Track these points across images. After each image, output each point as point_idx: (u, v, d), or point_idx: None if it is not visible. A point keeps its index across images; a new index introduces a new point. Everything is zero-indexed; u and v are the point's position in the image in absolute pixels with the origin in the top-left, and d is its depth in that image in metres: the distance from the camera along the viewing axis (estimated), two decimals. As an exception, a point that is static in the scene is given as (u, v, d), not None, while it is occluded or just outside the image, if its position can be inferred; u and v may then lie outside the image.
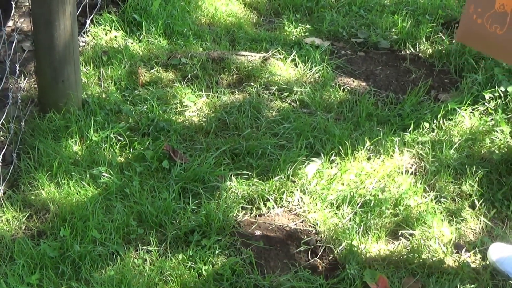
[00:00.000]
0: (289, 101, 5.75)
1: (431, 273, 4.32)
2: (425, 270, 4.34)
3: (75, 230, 4.38)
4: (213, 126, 5.34)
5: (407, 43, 6.69)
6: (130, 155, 5.01)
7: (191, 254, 4.30)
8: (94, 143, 5.06)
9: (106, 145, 5.05)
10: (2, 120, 4.70)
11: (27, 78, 5.78)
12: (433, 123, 5.51)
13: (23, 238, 4.34)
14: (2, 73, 4.89)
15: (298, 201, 4.75)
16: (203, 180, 4.83)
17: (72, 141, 5.06)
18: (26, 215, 4.55)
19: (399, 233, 4.58)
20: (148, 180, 4.82)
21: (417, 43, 6.70)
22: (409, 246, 4.48)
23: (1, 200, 4.57)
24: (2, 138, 4.66)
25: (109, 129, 5.17)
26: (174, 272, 4.19)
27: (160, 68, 6.05)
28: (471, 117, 5.57)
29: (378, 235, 4.52)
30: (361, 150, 5.16)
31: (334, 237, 4.48)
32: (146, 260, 4.30)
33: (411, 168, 5.10)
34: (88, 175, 4.78)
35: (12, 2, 4.73)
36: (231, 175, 4.85)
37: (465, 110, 5.62)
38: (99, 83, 5.76)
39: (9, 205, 4.57)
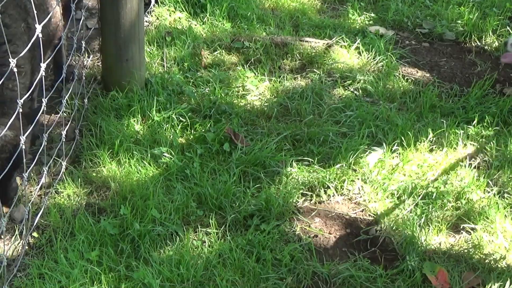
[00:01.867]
0: (351, 89, 5.70)
1: (492, 268, 4.25)
2: (486, 266, 4.27)
3: (135, 209, 4.39)
4: (275, 111, 5.32)
5: (473, 36, 6.60)
6: (191, 137, 5.01)
7: (250, 238, 4.28)
8: (156, 123, 5.07)
9: (167, 125, 5.06)
10: (66, 97, 4.72)
11: (91, 56, 5.81)
12: (498, 117, 5.42)
13: (84, 214, 4.37)
14: (68, 50, 4.91)
15: (359, 190, 4.70)
16: (264, 165, 4.82)
17: (134, 120, 5.07)
18: (87, 192, 4.58)
19: (461, 227, 4.51)
20: (209, 162, 4.81)
21: (483, 36, 6.60)
22: (470, 240, 4.42)
23: (63, 175, 4.60)
24: (65, 114, 4.67)
25: (171, 109, 5.17)
26: (232, 256, 4.18)
27: (223, 51, 6.03)
28: (537, 113, 5.47)
29: (439, 227, 4.46)
30: (424, 142, 5.10)
31: (394, 228, 4.43)
32: (205, 242, 4.30)
33: (474, 161, 5.01)
34: (149, 155, 4.79)
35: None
36: (292, 161, 4.83)
37: (531, 105, 5.53)
38: (162, 64, 5.77)
39: (71, 181, 4.60)
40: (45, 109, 4.08)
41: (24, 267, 4.12)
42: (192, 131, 5.06)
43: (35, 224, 4.29)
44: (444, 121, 5.27)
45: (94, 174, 4.67)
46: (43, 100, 4.03)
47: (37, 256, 4.18)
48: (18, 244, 4.23)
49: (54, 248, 4.17)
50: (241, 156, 4.83)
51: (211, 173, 4.71)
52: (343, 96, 5.58)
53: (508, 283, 4.12)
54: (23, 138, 3.67)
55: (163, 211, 4.40)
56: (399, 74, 5.93)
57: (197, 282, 4.04)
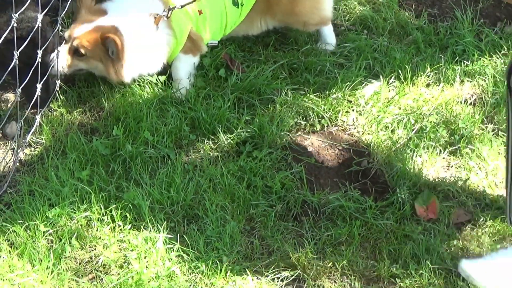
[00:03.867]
0: (351, 20, 5.63)
1: (481, 206, 4.27)
2: (476, 203, 4.28)
3: (128, 130, 4.38)
4: (273, 39, 5.26)
5: (477, -29, 6.50)
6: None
7: (241, 165, 4.29)
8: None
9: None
10: (62, 14, 4.65)
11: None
12: (497, 54, 5.37)
13: (76, 133, 4.36)
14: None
15: (353, 121, 4.69)
16: (259, 92, 4.78)
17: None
18: (81, 111, 4.56)
19: (453, 163, 4.50)
20: (204, 87, 4.77)
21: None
22: (461, 177, 4.42)
23: (57, 94, 4.57)
24: (61, 33, 4.62)
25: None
26: (223, 181, 4.18)
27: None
28: (536, 52, 5.42)
29: (431, 162, 4.46)
30: (421, 76, 5.06)
31: (386, 161, 4.43)
32: (196, 166, 4.29)
33: (470, 98, 4.98)
34: (144, 78, 4.75)
35: None
36: (287, 90, 4.79)
37: (531, 43, 5.48)
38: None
39: (64, 99, 4.58)
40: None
41: (15, 183, 4.13)
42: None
43: (27, 141, 4.28)
44: (442, 57, 5.22)
45: (88, 94, 4.65)
46: (37, 16, 3.98)
47: (28, 173, 4.18)
48: (9, 160, 4.22)
49: (45, 165, 4.18)
50: (237, 82, 4.79)
51: (206, 98, 4.67)
52: (341, 28, 5.52)
53: (498, 221, 4.14)
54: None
55: (155, 134, 4.39)
56: (401, 6, 5.84)
57: (186, 206, 4.05)
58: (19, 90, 3.88)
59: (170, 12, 4.41)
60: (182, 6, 4.44)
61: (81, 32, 4.38)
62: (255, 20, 4.98)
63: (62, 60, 4.38)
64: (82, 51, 4.36)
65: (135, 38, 4.39)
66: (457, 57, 5.27)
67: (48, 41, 4.17)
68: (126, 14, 4.46)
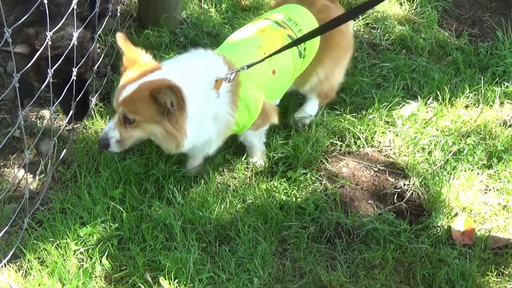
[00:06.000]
0: (389, 40, 5.57)
1: (520, 231, 4.19)
2: (515, 228, 4.21)
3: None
4: (310, 58, 5.21)
5: (519, -9, 6.42)
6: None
7: (275, 185, 4.24)
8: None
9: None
10: (99, 32, 4.67)
11: (128, -7, 5.75)
12: (538, 76, 5.28)
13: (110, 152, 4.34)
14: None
15: (390, 142, 4.63)
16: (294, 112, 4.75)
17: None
18: (115, 129, 4.55)
19: (491, 186, 4.42)
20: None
21: (529, -8, 6.42)
22: (500, 201, 4.33)
23: (92, 111, 4.57)
24: (98, 50, 4.63)
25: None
26: (256, 202, 4.14)
27: (262, -6, 5.93)
28: None
29: (469, 185, 4.38)
30: (460, 97, 4.99)
31: (423, 183, 4.36)
32: (229, 186, 4.26)
33: (510, 120, 4.90)
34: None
35: None
36: (323, 110, 4.74)
37: None
38: (199, 4, 5.68)
39: (99, 117, 4.57)
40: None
41: (48, 201, 4.13)
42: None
43: (60, 158, 4.28)
44: (482, 78, 5.14)
45: (122, 112, 4.63)
46: (73, 33, 3.99)
47: (60, 190, 4.18)
48: (42, 177, 4.23)
49: (78, 183, 4.17)
50: (272, 102, 4.76)
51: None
52: (380, 47, 5.46)
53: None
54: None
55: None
56: (440, 26, 5.77)
57: (219, 226, 4.01)
58: (53, 108, 3.89)
59: (233, 74, 3.76)
60: (248, 66, 3.77)
61: (126, 94, 3.63)
62: (309, 73, 4.41)
63: (114, 135, 3.73)
64: (131, 117, 3.64)
65: (192, 100, 3.66)
66: (497, 78, 5.19)
67: (87, 57, 4.19)
68: (181, 72, 3.75)
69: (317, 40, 4.25)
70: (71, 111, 4.22)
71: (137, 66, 3.72)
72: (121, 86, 3.67)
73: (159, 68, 3.72)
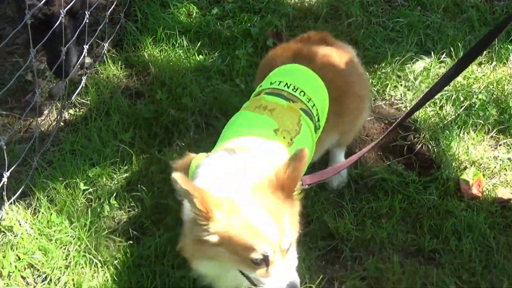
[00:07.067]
0: (404, -3, 5.55)
1: (528, 186, 4.19)
2: (523, 184, 4.21)
3: (172, 96, 4.37)
4: (324, 11, 5.20)
5: None
6: (236, 29, 4.94)
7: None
8: (201, 16, 5.01)
9: (213, 20, 4.99)
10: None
11: None
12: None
13: (121, 96, 4.36)
14: None
15: (401, 96, 4.62)
16: (307, 64, 4.74)
17: (180, 12, 5.01)
18: (127, 75, 4.57)
19: (501, 142, 4.41)
20: (253, 58, 4.75)
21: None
22: (510, 158, 4.32)
23: (104, 57, 4.58)
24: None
25: (219, 5, 5.11)
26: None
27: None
28: None
29: (479, 140, 4.37)
30: (473, 54, 4.96)
31: (433, 137, 4.35)
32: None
33: (523, 77, 4.89)
34: (191, 48, 4.74)
35: None
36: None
37: None
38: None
39: (111, 63, 4.59)
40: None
41: (58, 142, 4.15)
42: (238, 25, 4.98)
43: (71, 101, 4.29)
44: (497, 35, 5.11)
45: (135, 59, 4.66)
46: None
47: (71, 132, 4.21)
48: (53, 119, 4.25)
49: (89, 126, 4.20)
50: (284, 54, 4.75)
51: (253, 67, 4.65)
52: (395, 3, 5.44)
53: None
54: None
55: (199, 101, 4.37)
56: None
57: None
58: (65, 48, 3.89)
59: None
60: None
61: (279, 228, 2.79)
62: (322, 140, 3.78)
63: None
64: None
65: None
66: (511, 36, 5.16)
67: None
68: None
69: (326, 107, 3.65)
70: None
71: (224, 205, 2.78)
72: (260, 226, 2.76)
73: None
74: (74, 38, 4.02)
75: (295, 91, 3.51)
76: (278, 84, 3.54)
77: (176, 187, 2.68)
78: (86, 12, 4.08)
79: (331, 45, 3.85)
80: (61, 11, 3.69)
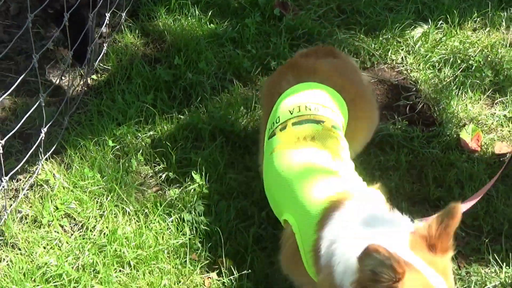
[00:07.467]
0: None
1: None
2: (517, 135, 4.51)
3: (189, 61, 4.64)
4: (325, -17, 5.48)
5: None
6: (244, 0, 5.19)
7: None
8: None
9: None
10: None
11: None
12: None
13: (140, 62, 4.62)
14: None
15: (402, 59, 4.90)
16: (311, 33, 5.01)
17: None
18: (144, 43, 4.82)
19: (497, 100, 4.70)
20: (261, 26, 5.01)
21: None
22: (506, 115, 4.62)
23: (122, 26, 4.83)
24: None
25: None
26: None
27: None
28: None
29: (476, 98, 4.66)
30: (468, 21, 5.25)
31: (433, 96, 4.64)
32: (253, 96, 4.53)
33: (515, 42, 5.18)
34: (202, 17, 5.00)
35: None
36: (336, 28, 5.02)
37: None
38: None
39: (128, 31, 4.84)
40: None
41: (83, 105, 4.40)
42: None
43: (94, 68, 4.54)
44: (489, 2, 5.39)
45: (150, 28, 4.90)
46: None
47: (95, 96, 4.45)
48: (77, 84, 4.49)
49: (112, 89, 4.45)
50: (289, 23, 5.02)
51: (262, 34, 4.92)
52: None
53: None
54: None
55: (215, 65, 4.64)
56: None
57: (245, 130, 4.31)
58: (91, 15, 4.14)
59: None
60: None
61: None
62: None
63: None
64: None
65: None
66: (503, 4, 5.43)
67: None
68: None
69: (346, 114, 3.62)
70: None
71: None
72: None
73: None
74: (93, 25, 4.33)
75: (318, 110, 3.45)
76: (299, 110, 3.44)
77: (372, 258, 2.48)
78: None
79: (337, 57, 3.89)
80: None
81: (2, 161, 3.42)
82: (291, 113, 3.44)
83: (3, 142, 3.33)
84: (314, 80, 3.59)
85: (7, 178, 3.55)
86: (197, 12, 5.00)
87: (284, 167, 3.29)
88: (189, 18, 4.96)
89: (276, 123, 3.47)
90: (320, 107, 3.45)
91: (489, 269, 3.81)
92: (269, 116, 3.59)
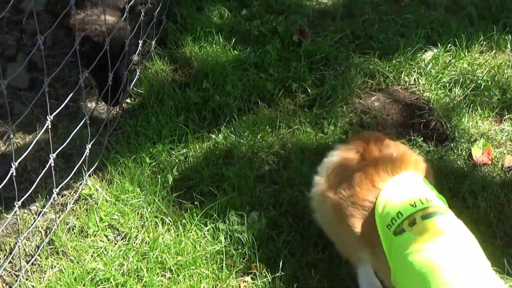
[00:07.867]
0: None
1: (531, 152, 4.80)
2: (527, 150, 4.81)
3: (216, 84, 4.96)
4: (339, 11, 5.80)
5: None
6: (264, 29, 5.51)
7: (316, 112, 4.85)
8: (232, 17, 5.60)
9: (245, 20, 5.59)
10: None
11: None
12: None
13: (171, 86, 4.94)
14: None
15: (415, 81, 5.22)
16: (328, 57, 5.33)
17: (214, 14, 5.61)
18: (173, 69, 5.14)
19: (505, 117, 5.01)
20: (281, 52, 5.33)
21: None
22: (513, 129, 4.95)
23: (152, 53, 5.16)
24: (154, 1, 5.20)
25: (249, 8, 5.71)
26: (301, 129, 4.74)
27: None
28: None
29: (485, 115, 4.97)
30: (475, 44, 5.57)
31: (445, 114, 4.95)
32: (277, 116, 4.84)
33: (520, 63, 5.51)
34: (226, 45, 5.33)
35: None
36: (352, 53, 5.35)
37: None
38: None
39: (158, 59, 5.16)
40: None
41: (120, 126, 4.71)
42: (265, 25, 5.55)
43: (128, 92, 4.86)
44: (494, 27, 5.72)
45: (178, 55, 5.23)
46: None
47: (130, 118, 4.77)
48: (113, 108, 4.81)
49: (146, 111, 4.76)
50: (308, 48, 5.34)
51: (283, 60, 5.24)
52: (402, 3, 6.04)
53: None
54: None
55: (240, 88, 4.96)
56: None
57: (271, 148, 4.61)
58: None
59: None
60: None
61: None
62: None
63: None
64: None
65: None
66: (507, 28, 5.77)
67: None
68: None
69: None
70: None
71: None
72: None
73: None
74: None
75: (432, 201, 3.37)
76: (422, 203, 3.30)
77: None
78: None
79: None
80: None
81: (54, 176, 3.74)
82: (414, 206, 3.29)
83: (54, 155, 3.65)
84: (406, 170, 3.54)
85: (57, 189, 3.86)
86: (221, 39, 5.32)
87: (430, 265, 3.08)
88: (214, 45, 5.28)
89: (398, 218, 3.29)
90: (434, 194, 3.45)
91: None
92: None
